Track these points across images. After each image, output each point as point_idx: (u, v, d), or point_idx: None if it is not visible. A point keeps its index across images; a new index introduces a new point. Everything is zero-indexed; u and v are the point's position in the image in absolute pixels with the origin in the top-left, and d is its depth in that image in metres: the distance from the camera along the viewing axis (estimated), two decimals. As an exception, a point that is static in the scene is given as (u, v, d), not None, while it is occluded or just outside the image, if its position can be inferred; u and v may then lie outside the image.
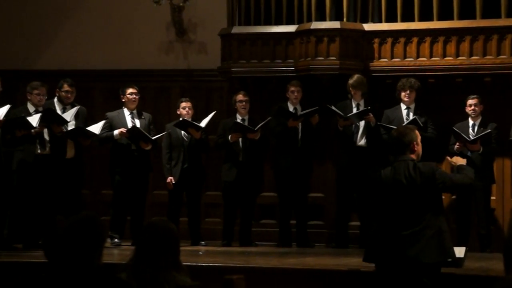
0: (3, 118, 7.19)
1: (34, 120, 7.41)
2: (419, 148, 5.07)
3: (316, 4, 8.77)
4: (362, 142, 8.37)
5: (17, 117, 7.48)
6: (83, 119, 8.10)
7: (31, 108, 7.71)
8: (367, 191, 5.38)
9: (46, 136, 7.61)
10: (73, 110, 7.87)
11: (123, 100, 8.41)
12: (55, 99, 8.02)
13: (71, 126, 7.85)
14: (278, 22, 8.96)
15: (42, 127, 7.52)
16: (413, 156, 5.03)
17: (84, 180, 8.34)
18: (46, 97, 7.85)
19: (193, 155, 8.52)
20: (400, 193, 4.93)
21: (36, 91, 7.71)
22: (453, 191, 5.13)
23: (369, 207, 5.34)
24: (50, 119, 7.63)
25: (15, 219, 7.47)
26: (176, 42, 9.65)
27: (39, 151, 7.64)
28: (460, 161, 5.24)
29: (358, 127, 8.37)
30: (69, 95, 8.00)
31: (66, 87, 8.03)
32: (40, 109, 7.70)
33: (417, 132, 5.15)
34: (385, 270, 4.96)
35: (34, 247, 7.35)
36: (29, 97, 7.74)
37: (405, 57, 8.72)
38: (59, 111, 7.89)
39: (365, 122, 8.34)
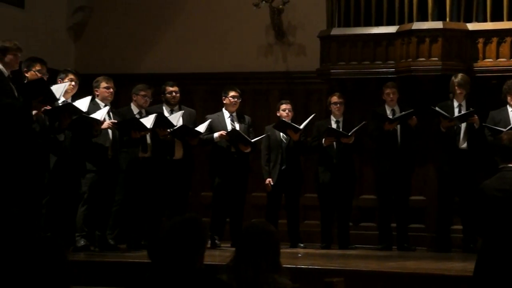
0: (103, 119, 7.30)
1: (148, 121, 7.56)
2: None
3: (417, 4, 8.62)
4: (464, 145, 8.18)
5: (131, 119, 7.65)
6: (193, 121, 8.22)
7: (135, 109, 7.88)
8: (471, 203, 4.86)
9: (148, 140, 7.76)
10: (179, 114, 7.97)
11: (224, 102, 8.49)
12: (163, 104, 8.18)
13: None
14: (378, 23, 8.86)
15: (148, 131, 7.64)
16: None
17: (191, 182, 8.38)
18: (151, 100, 8.02)
19: (291, 157, 8.52)
20: (508, 205, 4.40)
21: (142, 93, 7.89)
22: None
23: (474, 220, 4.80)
24: (161, 122, 7.74)
25: (121, 220, 7.63)
26: (275, 45, 9.69)
27: (142, 154, 7.77)
28: None
29: (459, 129, 8.18)
30: (173, 94, 8.14)
31: (169, 88, 8.20)
32: (143, 111, 7.86)
33: None
34: None
35: (137, 247, 7.52)
36: (134, 99, 7.91)
37: (511, 57, 8.46)
38: (167, 114, 8.03)
39: (467, 124, 8.14)
